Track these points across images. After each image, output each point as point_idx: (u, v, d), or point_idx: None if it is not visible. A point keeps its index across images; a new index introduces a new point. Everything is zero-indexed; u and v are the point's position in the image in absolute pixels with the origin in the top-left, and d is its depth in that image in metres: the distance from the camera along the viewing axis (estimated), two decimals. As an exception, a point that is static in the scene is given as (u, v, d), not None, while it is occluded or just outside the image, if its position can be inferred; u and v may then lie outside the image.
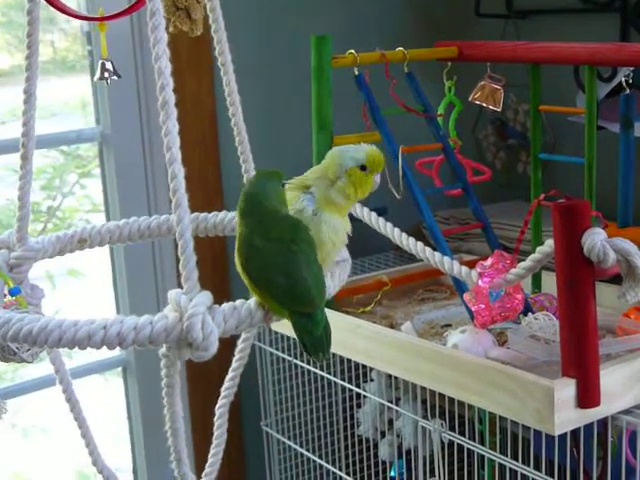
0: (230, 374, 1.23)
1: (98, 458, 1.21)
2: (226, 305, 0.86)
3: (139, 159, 1.88)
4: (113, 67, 1.11)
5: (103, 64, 1.10)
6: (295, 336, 0.88)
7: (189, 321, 0.82)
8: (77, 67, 1.96)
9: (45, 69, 1.89)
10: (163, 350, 0.90)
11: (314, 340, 0.87)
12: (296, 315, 0.87)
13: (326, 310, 0.90)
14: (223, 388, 1.23)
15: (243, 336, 1.22)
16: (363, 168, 0.92)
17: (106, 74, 1.10)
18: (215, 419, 1.22)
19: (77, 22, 1.82)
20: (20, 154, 1.06)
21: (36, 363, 1.09)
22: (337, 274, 0.98)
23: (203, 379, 1.91)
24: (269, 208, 0.91)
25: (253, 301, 0.88)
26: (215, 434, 1.21)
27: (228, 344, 1.15)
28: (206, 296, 0.85)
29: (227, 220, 1.16)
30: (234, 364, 1.23)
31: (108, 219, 1.91)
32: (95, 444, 1.21)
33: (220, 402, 1.23)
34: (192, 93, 1.87)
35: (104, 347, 0.84)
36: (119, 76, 1.11)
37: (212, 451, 1.21)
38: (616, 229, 1.49)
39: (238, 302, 0.87)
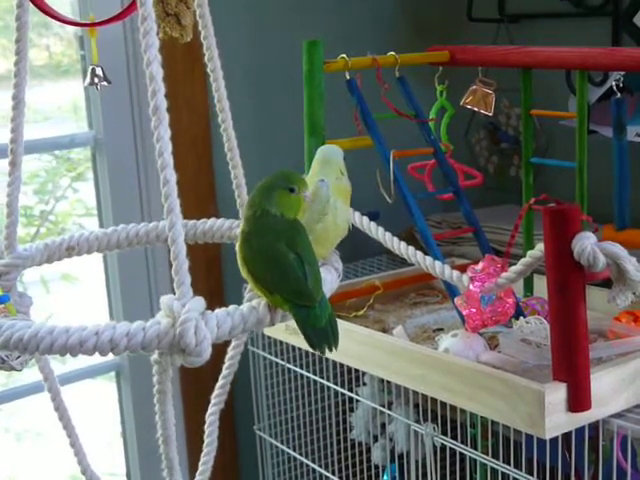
0: (220, 381, 1.22)
1: (87, 467, 1.21)
2: (219, 311, 0.86)
3: (132, 163, 1.88)
4: (103, 73, 1.10)
5: (93, 70, 1.10)
6: (288, 339, 0.88)
7: (182, 327, 0.82)
8: (71, 71, 1.95)
9: (40, 73, 1.89)
10: (155, 356, 0.89)
11: (318, 332, 0.87)
12: (297, 309, 0.88)
13: None
14: (213, 395, 1.23)
15: (233, 343, 1.21)
16: None
17: (96, 80, 1.10)
18: (205, 427, 1.21)
19: (71, 26, 1.82)
20: (9, 160, 1.06)
21: (29, 367, 1.09)
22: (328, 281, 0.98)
23: (196, 385, 1.90)
24: (270, 212, 0.92)
25: (246, 307, 0.88)
26: (206, 442, 1.21)
27: (222, 349, 1.15)
28: (199, 302, 0.84)
29: (216, 227, 1.16)
30: (224, 371, 1.22)
31: (101, 223, 1.91)
32: (84, 453, 1.20)
33: (210, 410, 1.22)
34: (186, 98, 1.87)
35: (96, 353, 0.84)
36: (109, 82, 1.11)
37: (203, 459, 1.20)
38: (613, 231, 1.49)
39: (231, 308, 0.87)
